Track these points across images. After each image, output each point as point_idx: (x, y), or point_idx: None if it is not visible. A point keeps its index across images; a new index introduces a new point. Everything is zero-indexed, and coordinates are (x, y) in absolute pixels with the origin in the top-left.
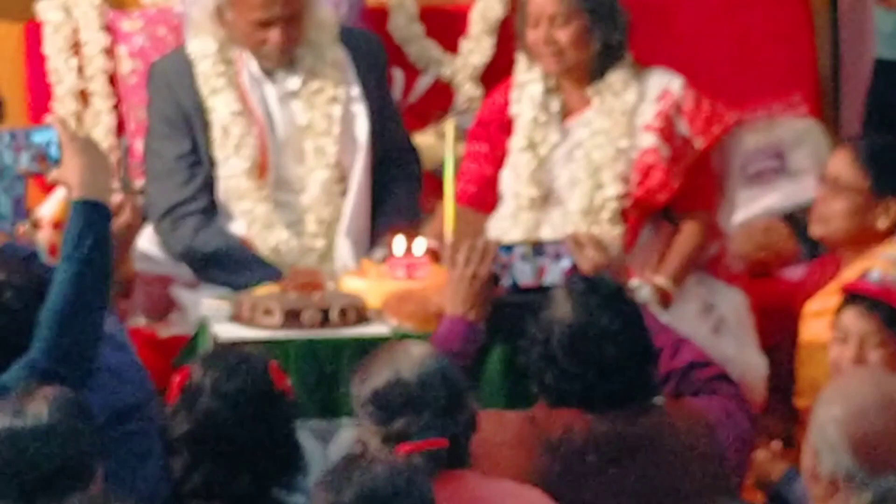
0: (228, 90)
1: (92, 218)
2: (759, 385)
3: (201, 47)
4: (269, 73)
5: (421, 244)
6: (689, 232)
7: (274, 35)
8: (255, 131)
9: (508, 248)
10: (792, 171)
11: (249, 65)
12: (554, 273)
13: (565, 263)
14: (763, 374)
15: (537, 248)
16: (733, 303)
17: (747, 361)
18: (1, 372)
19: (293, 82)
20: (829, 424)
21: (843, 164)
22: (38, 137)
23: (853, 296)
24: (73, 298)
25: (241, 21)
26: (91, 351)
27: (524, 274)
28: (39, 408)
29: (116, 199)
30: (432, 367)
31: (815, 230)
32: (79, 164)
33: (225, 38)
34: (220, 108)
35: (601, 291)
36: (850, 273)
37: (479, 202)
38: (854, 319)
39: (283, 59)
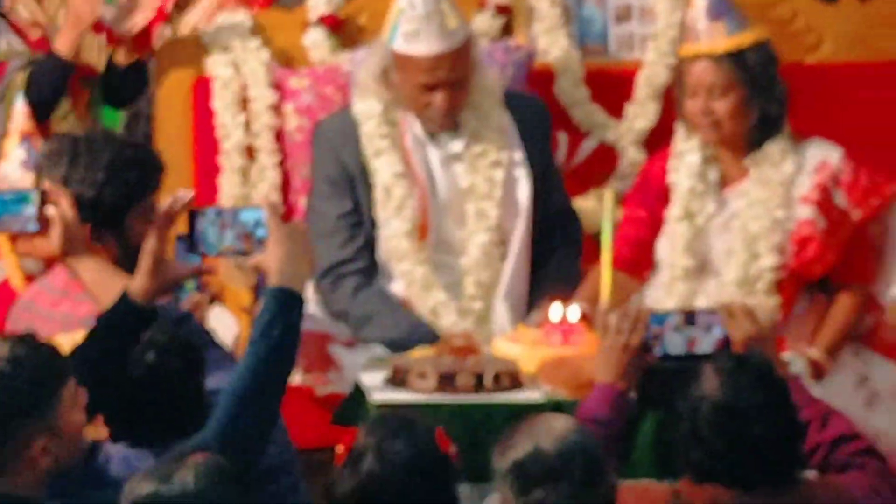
0: (392, 152)
1: (285, 306)
2: None
3: (366, 108)
4: (432, 136)
5: (576, 310)
6: (844, 304)
7: (438, 99)
8: (417, 193)
9: (661, 317)
10: None
11: (413, 127)
12: (705, 344)
13: (717, 334)
14: None
15: (689, 317)
16: (889, 376)
17: None
18: (149, 435)
19: (456, 145)
20: None
21: None
22: (246, 216)
23: None
24: (254, 384)
25: (406, 84)
26: (264, 439)
27: (675, 344)
28: (186, 475)
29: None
30: (572, 440)
31: None
32: (281, 252)
33: (390, 100)
34: (384, 169)
35: (750, 368)
36: None
37: (633, 267)
38: None
39: (447, 123)
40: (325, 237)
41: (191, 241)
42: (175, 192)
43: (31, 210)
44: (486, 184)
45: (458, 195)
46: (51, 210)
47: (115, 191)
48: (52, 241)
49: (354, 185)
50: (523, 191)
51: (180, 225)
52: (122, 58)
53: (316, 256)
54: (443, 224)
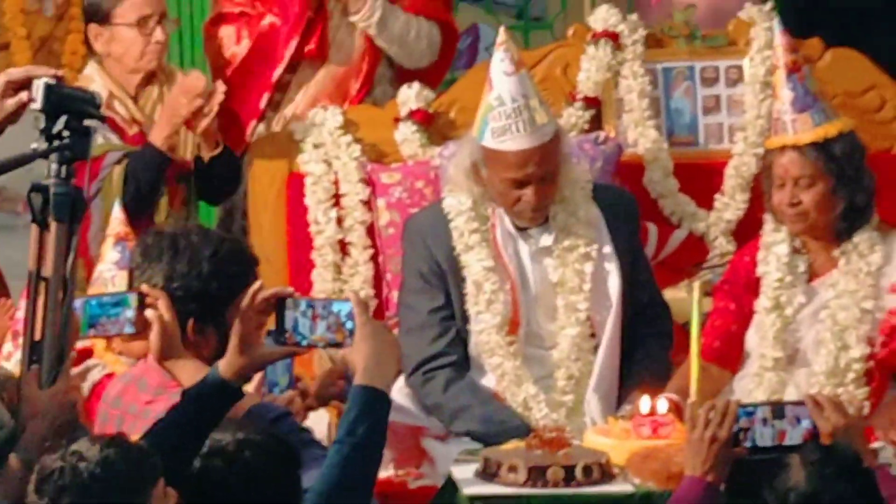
0: (482, 246)
1: (370, 405)
2: None
3: (456, 203)
4: (522, 230)
5: (664, 403)
6: None
7: (528, 194)
8: (508, 287)
9: (749, 410)
10: None
11: (503, 221)
12: (794, 436)
13: (805, 426)
14: None
15: (778, 410)
16: None
17: None
18: None
19: (546, 239)
20: None
21: None
22: (338, 307)
23: None
24: (339, 483)
25: (495, 179)
26: None
27: (764, 437)
28: None
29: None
30: None
31: None
32: (367, 349)
33: (479, 194)
34: (474, 263)
35: (837, 459)
36: None
37: (723, 359)
38: None
39: (537, 218)
40: (416, 331)
41: (280, 332)
42: (271, 287)
43: (129, 313)
44: (576, 277)
45: (548, 289)
46: (149, 312)
47: (219, 283)
48: (151, 344)
49: (445, 279)
50: (613, 283)
51: (271, 320)
52: (204, 153)
53: (408, 351)
54: (533, 317)
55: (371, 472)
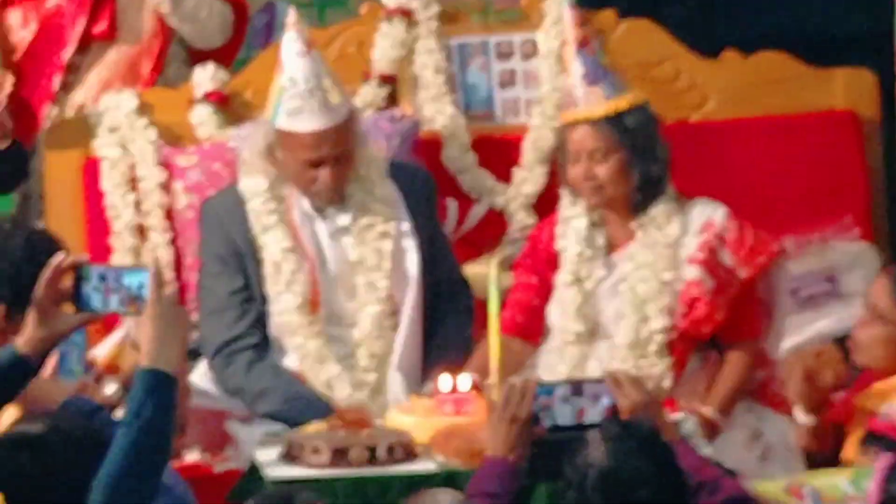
0: (280, 227)
1: (154, 388)
2: None
3: (252, 185)
4: (319, 210)
5: (467, 380)
6: (735, 362)
7: (324, 174)
8: (307, 267)
9: (548, 389)
10: (844, 295)
11: (300, 202)
12: (594, 413)
13: (605, 403)
14: None
15: (577, 388)
16: (781, 429)
17: None
18: None
19: (343, 218)
20: None
21: (880, 293)
22: (129, 279)
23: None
24: (126, 467)
25: (291, 160)
26: None
27: (564, 415)
28: None
29: None
30: None
31: (857, 357)
32: (151, 331)
33: (276, 176)
34: (272, 245)
35: (635, 435)
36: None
37: (526, 332)
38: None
39: (334, 198)
40: (216, 314)
41: (77, 300)
42: None
43: None
44: (375, 255)
45: (347, 268)
46: None
47: (30, 270)
48: None
49: (244, 261)
50: (412, 261)
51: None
52: None
53: (208, 333)
54: (333, 297)
55: (159, 457)
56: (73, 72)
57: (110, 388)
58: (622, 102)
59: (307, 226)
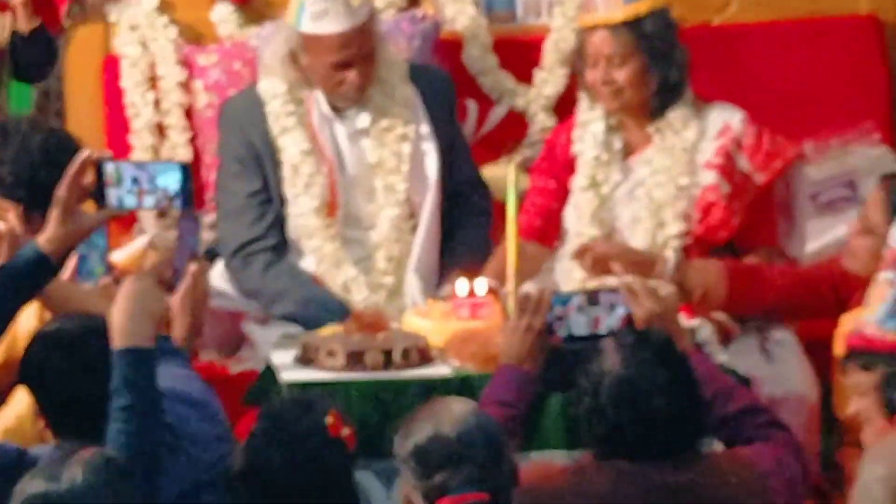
0: (298, 129)
1: (133, 367)
2: (812, 411)
3: (271, 87)
4: (338, 112)
5: (483, 284)
6: None
7: (351, 75)
8: (325, 170)
9: (564, 298)
10: (864, 201)
11: (319, 104)
12: (609, 323)
13: (620, 312)
14: (815, 400)
15: (592, 298)
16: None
17: (801, 389)
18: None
19: (363, 120)
20: (874, 483)
21: (873, 204)
22: (163, 180)
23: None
24: (134, 450)
25: (317, 64)
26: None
27: (579, 325)
28: (75, 471)
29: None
30: (472, 423)
31: (847, 263)
32: (121, 310)
33: (295, 80)
34: (290, 146)
35: (650, 344)
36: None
37: (543, 236)
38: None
39: (358, 98)
40: (234, 216)
41: (99, 197)
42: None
43: None
44: (394, 158)
45: (366, 170)
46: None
47: (48, 172)
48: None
49: (262, 163)
50: (431, 163)
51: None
52: (23, 25)
53: (226, 235)
54: (352, 200)
55: (157, 427)
56: None
57: None
58: (641, 7)
59: (326, 128)
